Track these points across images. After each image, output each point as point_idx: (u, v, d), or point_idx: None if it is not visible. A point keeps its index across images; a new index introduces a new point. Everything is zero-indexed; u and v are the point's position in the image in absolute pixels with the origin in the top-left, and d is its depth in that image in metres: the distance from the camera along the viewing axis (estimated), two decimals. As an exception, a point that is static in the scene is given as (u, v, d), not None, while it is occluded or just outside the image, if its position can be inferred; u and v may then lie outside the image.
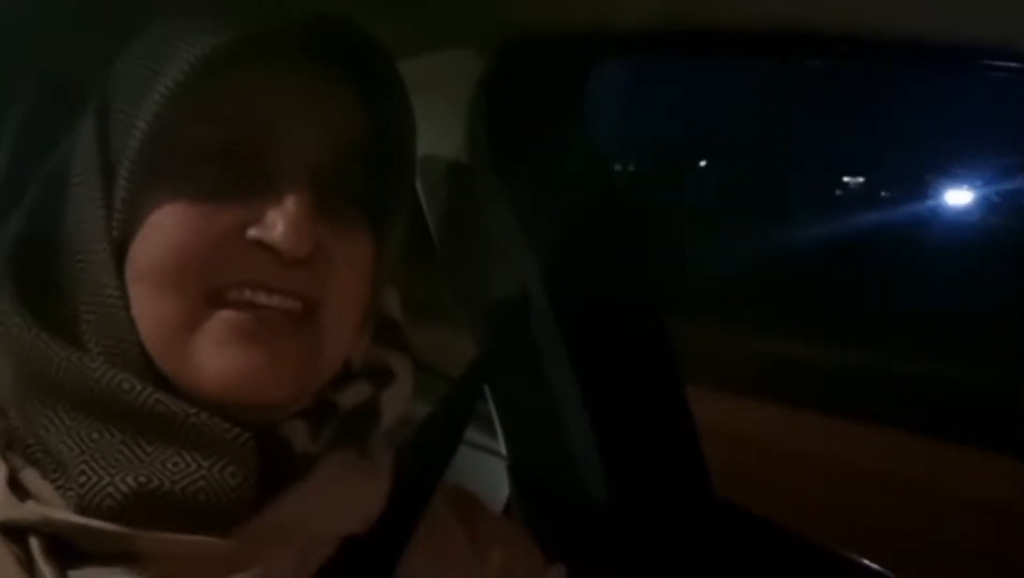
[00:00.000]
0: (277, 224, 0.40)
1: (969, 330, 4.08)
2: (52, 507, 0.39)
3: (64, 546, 0.39)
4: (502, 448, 0.89)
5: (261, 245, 0.40)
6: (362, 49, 0.44)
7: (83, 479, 0.38)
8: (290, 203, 0.40)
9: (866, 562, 0.74)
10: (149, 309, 0.40)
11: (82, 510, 0.38)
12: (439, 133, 0.78)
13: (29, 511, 0.39)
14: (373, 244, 0.45)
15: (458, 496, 0.55)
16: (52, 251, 0.42)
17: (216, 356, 0.40)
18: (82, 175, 0.42)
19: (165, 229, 0.40)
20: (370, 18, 0.71)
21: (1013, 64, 0.47)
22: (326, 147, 0.43)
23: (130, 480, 0.38)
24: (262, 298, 0.40)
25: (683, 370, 0.84)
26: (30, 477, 0.41)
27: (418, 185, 0.82)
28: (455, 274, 0.85)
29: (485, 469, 0.89)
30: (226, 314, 0.40)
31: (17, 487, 0.40)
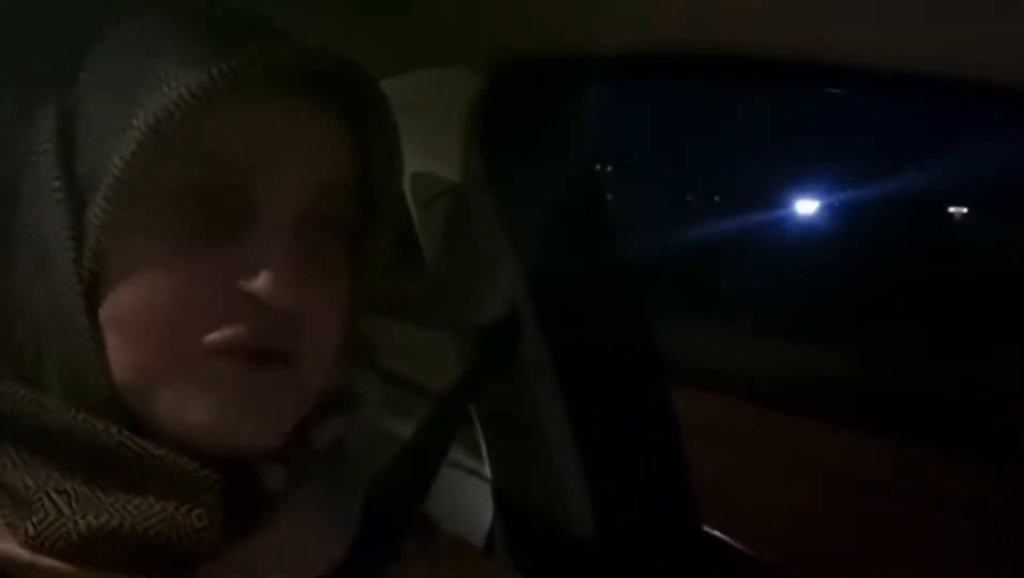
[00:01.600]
0: (261, 274, 0.38)
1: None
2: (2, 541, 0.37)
3: None
4: (486, 469, 0.88)
5: (244, 294, 0.38)
6: (352, 83, 0.42)
7: (41, 515, 0.37)
8: (273, 250, 0.39)
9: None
10: (126, 357, 0.39)
11: (31, 546, 0.37)
12: (432, 152, 0.78)
13: None
14: (352, 278, 0.44)
15: (422, 522, 0.54)
16: (10, 279, 0.40)
17: (199, 405, 0.38)
18: (45, 199, 0.39)
19: (143, 278, 0.38)
20: (364, 38, 0.72)
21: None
22: (311, 185, 0.41)
23: (91, 518, 0.36)
24: (244, 348, 0.39)
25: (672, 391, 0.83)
26: None
27: (410, 203, 0.82)
28: (445, 292, 0.84)
29: (469, 491, 0.88)
30: (208, 363, 0.38)
31: None
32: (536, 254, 0.76)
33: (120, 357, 0.39)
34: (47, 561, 0.36)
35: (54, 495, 0.37)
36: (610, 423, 0.79)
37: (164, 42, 0.40)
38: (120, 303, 0.38)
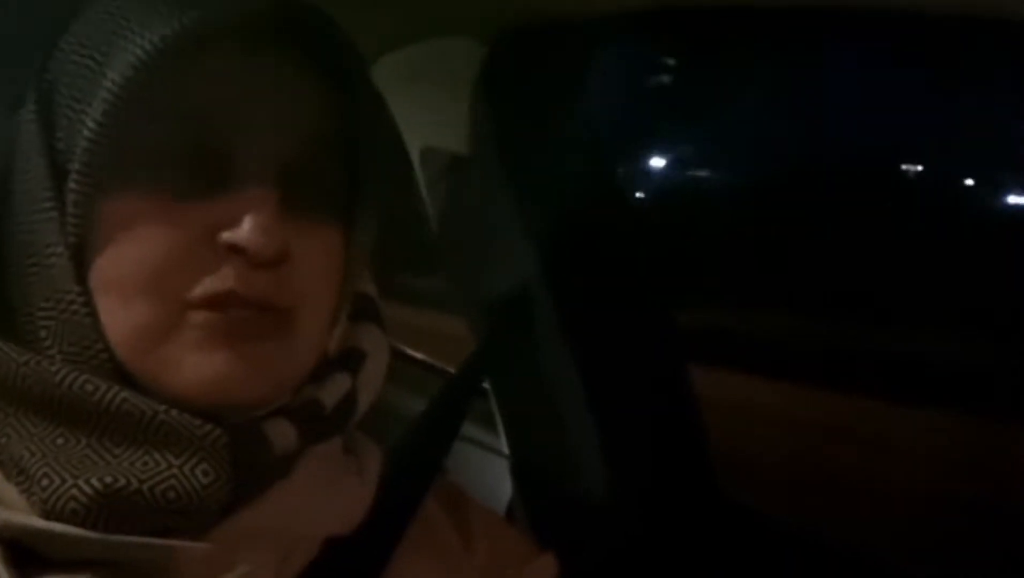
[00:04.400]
0: (245, 226, 0.38)
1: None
2: (15, 511, 0.38)
3: (28, 552, 0.37)
4: (504, 446, 0.88)
5: (230, 248, 0.38)
6: (326, 37, 0.42)
7: (45, 482, 0.37)
8: (256, 202, 0.38)
9: (874, 558, 0.73)
10: (120, 318, 0.39)
11: (46, 515, 0.37)
12: (439, 124, 0.77)
13: None
14: (344, 237, 0.44)
15: (445, 489, 0.54)
16: (4, 250, 0.40)
17: (194, 361, 0.38)
18: (28, 172, 0.40)
19: (128, 237, 0.38)
20: (368, 8, 0.70)
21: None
22: (293, 141, 0.41)
23: (95, 481, 0.36)
24: (235, 302, 0.39)
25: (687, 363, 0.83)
26: None
27: (419, 176, 0.81)
28: (455, 267, 0.83)
29: (487, 467, 0.88)
30: (201, 319, 0.38)
31: None
32: (547, 226, 0.75)
33: (113, 320, 0.39)
34: (59, 527, 0.36)
35: (55, 462, 0.37)
36: (626, 395, 0.79)
37: (134, 6, 0.40)
38: (106, 266, 0.39)
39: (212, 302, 0.39)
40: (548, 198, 0.76)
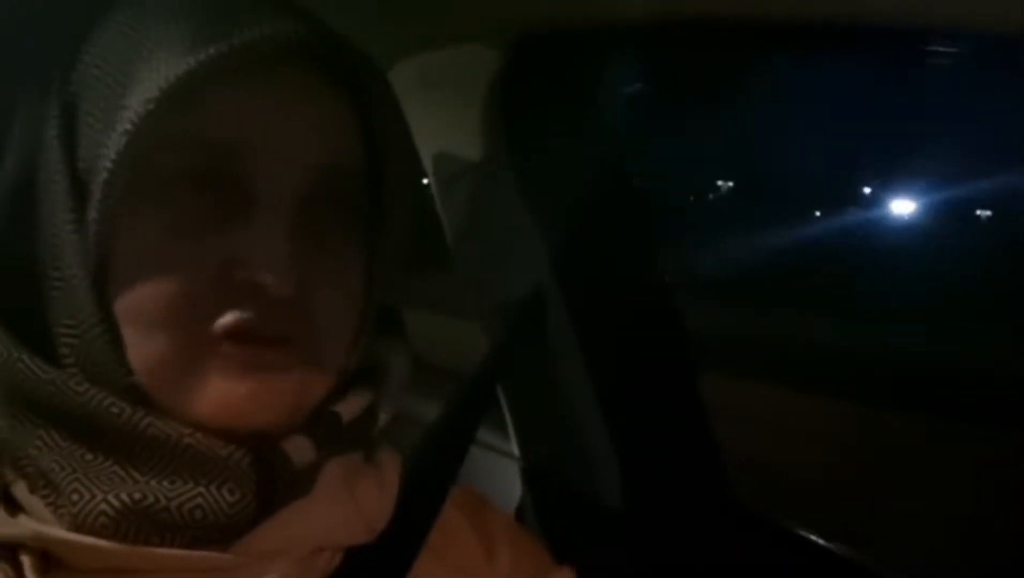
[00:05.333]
0: (261, 262, 0.38)
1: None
2: (45, 522, 0.38)
3: (57, 563, 0.38)
4: (515, 449, 0.88)
5: (246, 280, 0.39)
6: (349, 61, 0.42)
7: (75, 497, 0.37)
8: (273, 236, 0.39)
9: (885, 569, 0.73)
10: (142, 349, 0.39)
11: (76, 527, 0.37)
12: (454, 129, 0.77)
13: (20, 526, 0.38)
14: (365, 261, 0.44)
15: (465, 496, 0.54)
16: (25, 266, 0.41)
17: (215, 389, 0.39)
18: (50, 189, 0.40)
19: (149, 269, 0.38)
20: (383, 16, 0.71)
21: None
22: (313, 168, 0.41)
23: (124, 496, 0.37)
24: (256, 335, 0.39)
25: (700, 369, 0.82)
26: (22, 490, 0.40)
27: (432, 181, 0.81)
28: (469, 271, 0.84)
29: (497, 471, 0.88)
30: (222, 350, 0.39)
31: (9, 501, 0.39)
32: (561, 231, 0.75)
33: (136, 350, 0.39)
34: (89, 540, 0.37)
35: (84, 478, 0.38)
36: (638, 400, 0.79)
37: (156, 26, 0.39)
38: (128, 295, 0.39)
39: (233, 335, 0.39)
40: (561, 204, 0.76)
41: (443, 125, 0.77)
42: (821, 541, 0.75)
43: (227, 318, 0.39)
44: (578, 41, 0.70)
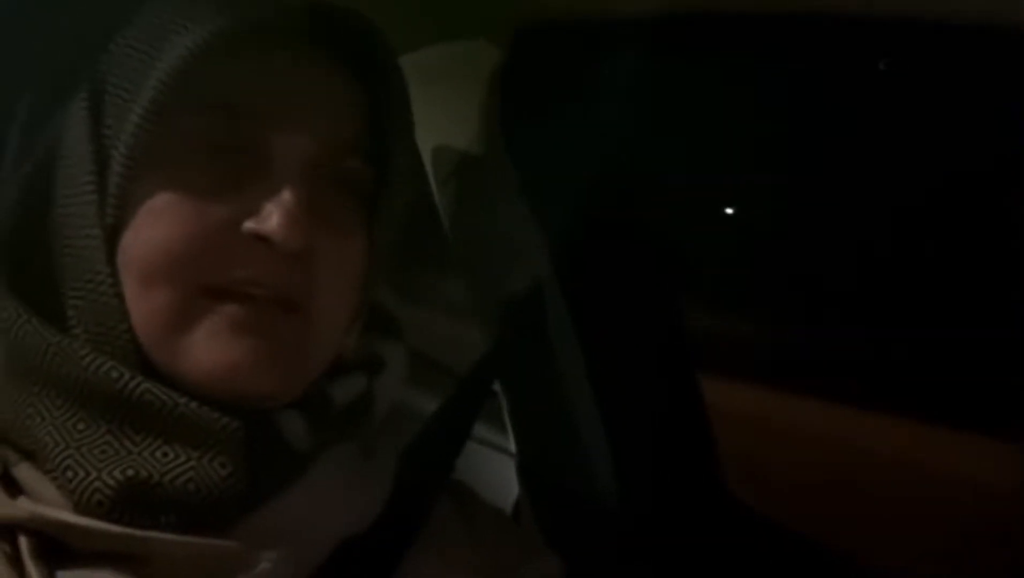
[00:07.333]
0: (272, 216, 0.39)
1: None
2: (46, 503, 0.39)
3: (56, 544, 0.38)
4: (512, 445, 0.88)
5: (255, 237, 0.40)
6: (363, 38, 0.43)
7: (70, 474, 0.38)
8: (286, 196, 0.40)
9: (877, 567, 0.73)
10: (141, 300, 0.40)
11: (76, 506, 0.38)
12: (452, 124, 0.77)
13: (18, 508, 0.38)
14: (367, 239, 0.44)
15: (453, 487, 0.54)
16: (42, 234, 0.42)
17: (209, 348, 0.39)
18: (73, 157, 0.41)
19: (158, 221, 0.40)
20: (382, 8, 0.70)
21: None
22: (323, 139, 0.42)
23: (117, 473, 0.37)
24: (255, 291, 0.40)
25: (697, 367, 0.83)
26: (25, 471, 0.40)
27: (430, 176, 0.81)
28: (467, 267, 0.84)
29: (494, 466, 0.88)
30: (219, 306, 0.39)
31: (10, 483, 0.40)
32: (559, 226, 0.75)
33: (135, 302, 0.40)
34: (87, 521, 0.37)
35: (77, 453, 0.38)
36: (635, 396, 0.79)
37: (184, 5, 0.41)
38: (134, 248, 0.40)
39: (232, 289, 0.39)
40: (560, 199, 0.76)
41: (441, 120, 0.77)
42: (816, 540, 0.75)
43: (228, 270, 0.40)
44: (577, 36, 0.70)
